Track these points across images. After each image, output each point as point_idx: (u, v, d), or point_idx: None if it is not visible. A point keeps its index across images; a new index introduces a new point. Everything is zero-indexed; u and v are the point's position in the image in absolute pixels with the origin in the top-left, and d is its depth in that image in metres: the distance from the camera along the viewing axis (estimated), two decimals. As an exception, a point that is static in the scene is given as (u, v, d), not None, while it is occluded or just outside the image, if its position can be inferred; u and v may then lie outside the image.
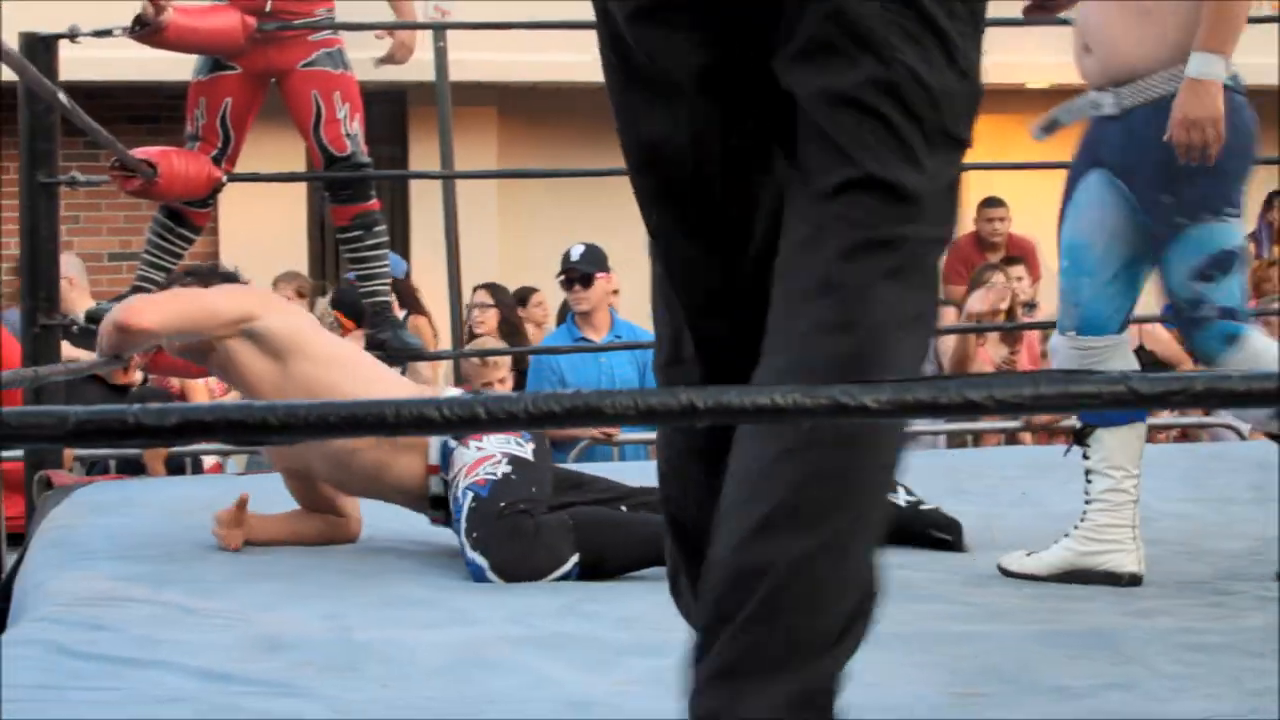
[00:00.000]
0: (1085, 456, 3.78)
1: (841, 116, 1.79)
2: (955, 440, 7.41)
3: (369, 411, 1.21)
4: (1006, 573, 3.76)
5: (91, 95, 4.33)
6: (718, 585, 1.69)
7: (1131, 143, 3.65)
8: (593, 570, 3.66)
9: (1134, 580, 3.67)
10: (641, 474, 4.80)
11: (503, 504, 3.73)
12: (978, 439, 7.61)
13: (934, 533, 3.93)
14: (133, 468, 7.28)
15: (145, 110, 9.55)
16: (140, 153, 4.96)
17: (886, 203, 1.78)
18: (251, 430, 1.23)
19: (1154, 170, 3.61)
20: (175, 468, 7.06)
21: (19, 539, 5.05)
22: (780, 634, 1.66)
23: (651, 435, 7.22)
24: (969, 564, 3.85)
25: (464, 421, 1.22)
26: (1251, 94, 3.67)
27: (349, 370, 3.98)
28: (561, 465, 4.34)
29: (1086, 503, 3.76)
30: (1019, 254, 9.25)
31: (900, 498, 3.95)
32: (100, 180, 5.70)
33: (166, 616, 3.32)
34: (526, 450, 3.86)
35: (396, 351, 5.61)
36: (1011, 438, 7.43)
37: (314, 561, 3.93)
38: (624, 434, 7.23)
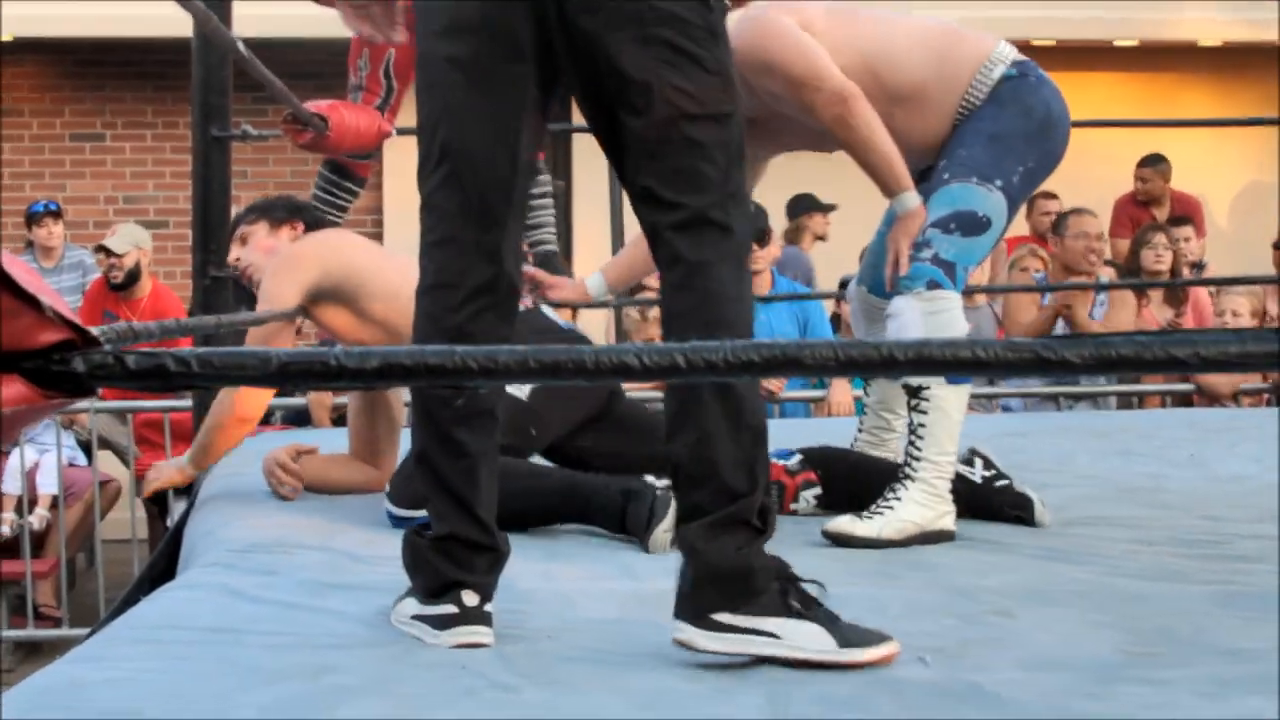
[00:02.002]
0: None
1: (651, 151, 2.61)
2: (1123, 402, 7.35)
3: (570, 357, 1.21)
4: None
5: (255, 51, 4.36)
6: (669, 469, 2.60)
7: None
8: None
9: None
10: (800, 432, 4.80)
11: None
12: (1141, 401, 7.55)
13: (1008, 510, 3.87)
14: (299, 419, 7.38)
15: (309, 66, 9.64)
16: (311, 106, 5.00)
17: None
18: (450, 374, 1.24)
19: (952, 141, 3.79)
20: (340, 420, 7.14)
21: (188, 489, 5.13)
22: (697, 492, 2.55)
23: (816, 394, 7.22)
24: (1142, 522, 3.80)
25: (663, 369, 1.22)
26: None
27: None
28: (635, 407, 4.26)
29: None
30: (1185, 213, 9.12)
31: (977, 473, 3.90)
32: (271, 134, 5.76)
33: (336, 563, 3.36)
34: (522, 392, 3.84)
35: (557, 302, 5.63)
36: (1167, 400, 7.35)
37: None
38: (785, 392, 7.23)
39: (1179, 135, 9.22)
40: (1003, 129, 3.72)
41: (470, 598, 2.71)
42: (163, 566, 4.25)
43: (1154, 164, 9.46)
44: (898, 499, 3.66)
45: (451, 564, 2.74)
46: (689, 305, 2.58)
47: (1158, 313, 7.98)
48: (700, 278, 2.57)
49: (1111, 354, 1.30)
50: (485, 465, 2.75)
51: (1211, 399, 7.40)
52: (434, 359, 1.24)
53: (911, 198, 3.76)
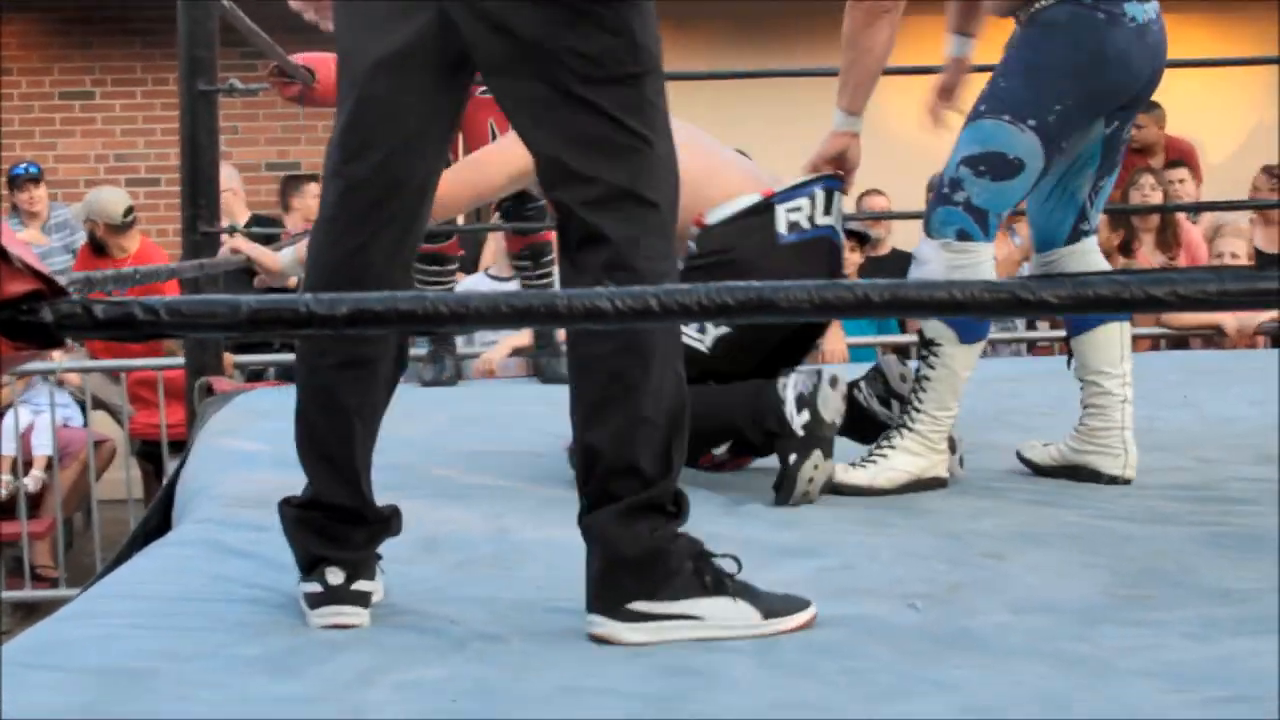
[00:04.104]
0: (1069, 365, 3.86)
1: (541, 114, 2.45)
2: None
3: (542, 302, 1.21)
4: (1022, 458, 3.87)
5: (243, 5, 4.34)
6: (579, 455, 2.50)
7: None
8: None
9: (1115, 481, 3.72)
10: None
11: None
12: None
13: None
14: (292, 376, 7.38)
15: (298, 20, 9.59)
16: (298, 58, 4.97)
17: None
18: (421, 320, 1.23)
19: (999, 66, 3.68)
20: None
21: (180, 445, 5.13)
22: (613, 480, 2.45)
23: (880, 339, 7.24)
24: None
25: (637, 313, 1.21)
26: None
27: None
28: None
29: (1083, 407, 3.81)
30: (1179, 157, 9.08)
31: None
32: (259, 88, 5.74)
33: (328, 518, 3.36)
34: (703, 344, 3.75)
35: (549, 380, 5.57)
36: (1154, 344, 7.33)
37: (475, 466, 3.96)
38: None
39: (1175, 76, 9.18)
40: (1046, 60, 3.58)
41: (335, 575, 2.56)
42: (156, 522, 4.24)
43: (1149, 110, 9.40)
44: (892, 448, 3.66)
45: (314, 536, 2.61)
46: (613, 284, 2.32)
47: (1150, 256, 7.97)
48: (621, 256, 2.42)
49: (1089, 294, 1.29)
50: (361, 422, 2.60)
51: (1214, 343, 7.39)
52: (405, 305, 1.23)
53: (847, 120, 3.78)
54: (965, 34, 3.88)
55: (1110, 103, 3.66)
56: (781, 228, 3.72)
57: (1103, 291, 1.29)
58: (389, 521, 2.68)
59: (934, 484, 3.65)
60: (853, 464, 3.65)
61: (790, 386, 3.54)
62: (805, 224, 3.73)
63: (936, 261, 3.61)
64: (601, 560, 2.46)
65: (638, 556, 2.44)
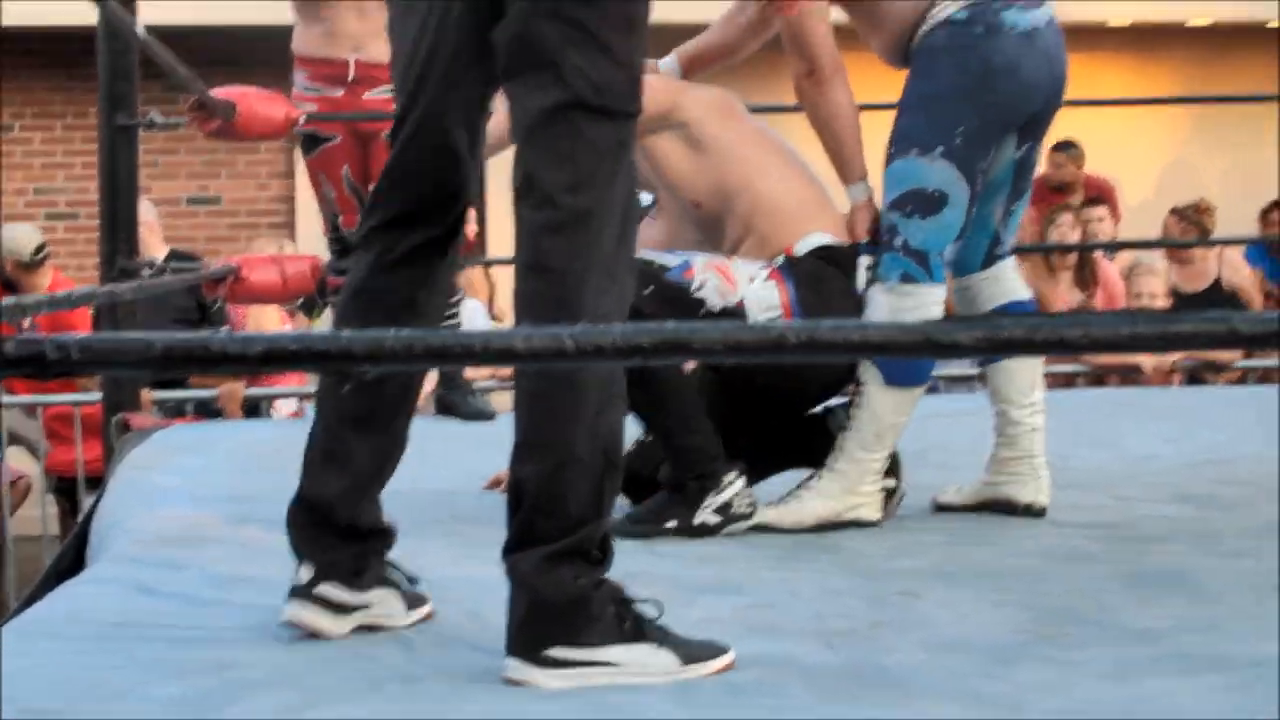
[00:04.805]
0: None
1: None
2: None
3: (457, 342, 1.20)
4: (940, 506, 3.86)
5: (168, 39, 4.32)
6: (510, 489, 2.47)
7: None
8: None
9: (1030, 510, 3.74)
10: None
11: None
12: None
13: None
14: (210, 412, 7.33)
15: (223, 53, 9.56)
16: (219, 92, 4.95)
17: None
18: (335, 359, 1.23)
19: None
20: (253, 412, 7.09)
21: (97, 481, 5.09)
22: (540, 520, 2.42)
23: None
24: (1050, 502, 3.81)
25: (550, 353, 1.21)
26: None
27: (752, 165, 3.84)
28: None
29: (995, 436, 3.83)
30: (1098, 194, 9.15)
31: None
32: (179, 122, 5.70)
33: (244, 556, 3.34)
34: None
35: (467, 416, 5.54)
36: (1070, 381, 7.37)
37: (391, 503, 3.94)
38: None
39: (1094, 115, 9.24)
40: (937, 87, 3.61)
41: (304, 572, 2.66)
42: (71, 560, 4.21)
43: (1066, 149, 9.46)
44: (808, 489, 3.66)
45: (294, 531, 2.70)
46: (549, 320, 2.41)
47: (1068, 294, 8.02)
48: (567, 290, 2.43)
49: (1003, 336, 1.30)
50: (357, 431, 2.70)
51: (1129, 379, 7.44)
52: (319, 344, 1.23)
53: (859, 190, 3.78)
54: (853, 182, 3.85)
55: (1012, 114, 3.67)
56: (860, 281, 3.75)
57: (1016, 333, 1.30)
58: (380, 534, 2.76)
59: (854, 525, 3.64)
60: (769, 503, 3.66)
61: None
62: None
63: (881, 307, 3.62)
64: (523, 605, 2.44)
65: (559, 604, 2.42)
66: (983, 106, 3.61)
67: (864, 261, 3.73)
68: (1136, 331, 1.29)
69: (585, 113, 2.45)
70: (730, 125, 3.89)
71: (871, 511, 3.66)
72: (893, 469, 3.78)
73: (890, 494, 3.75)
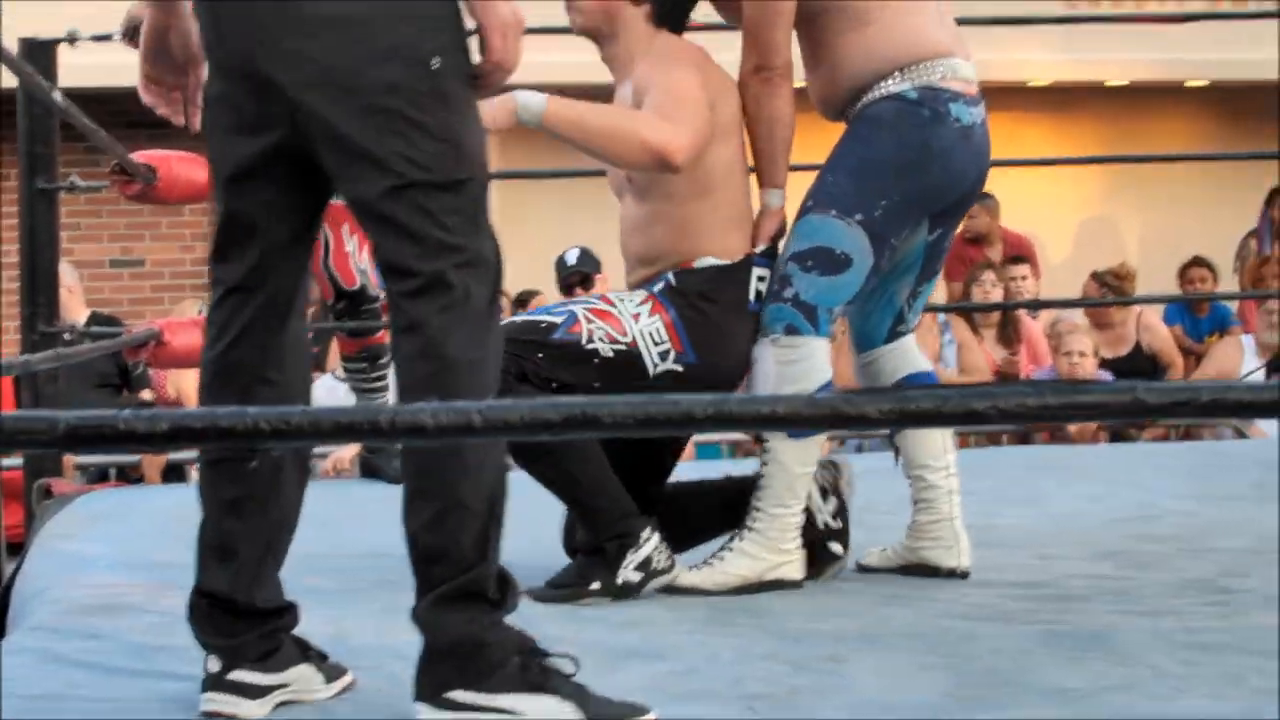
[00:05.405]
0: (896, 460, 3.88)
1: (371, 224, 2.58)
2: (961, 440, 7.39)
3: (365, 418, 1.20)
4: (861, 567, 3.86)
5: (93, 100, 4.31)
6: (407, 546, 2.54)
7: None
8: None
9: (953, 573, 3.75)
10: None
11: None
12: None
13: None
14: (133, 477, 7.28)
15: (147, 115, 9.51)
16: (140, 156, 4.93)
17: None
18: (241, 437, 1.22)
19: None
20: (175, 474, 7.05)
21: (18, 547, 5.03)
22: (431, 567, 2.50)
23: (732, 436, 7.20)
24: (974, 562, 3.83)
25: (458, 429, 1.21)
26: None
27: (737, 168, 3.76)
28: None
29: (913, 504, 3.84)
30: (1019, 252, 9.21)
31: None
32: (100, 185, 5.67)
33: (165, 624, 3.30)
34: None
35: (392, 479, 5.53)
36: (996, 439, 7.41)
37: (316, 568, 3.92)
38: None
39: (1014, 174, 9.31)
40: (872, 156, 3.63)
41: (212, 663, 2.66)
42: (-10, 629, 4.16)
43: (982, 200, 9.51)
44: (730, 550, 3.66)
45: (198, 622, 2.69)
46: (425, 373, 2.50)
47: (992, 352, 8.07)
48: (436, 345, 2.49)
49: (911, 407, 1.31)
50: (239, 515, 2.68)
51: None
52: (225, 421, 1.22)
53: (776, 196, 3.74)
54: (775, 187, 3.84)
55: (936, 200, 3.70)
56: (751, 294, 3.71)
57: (924, 405, 1.30)
58: (283, 611, 2.73)
59: (778, 585, 3.64)
60: (692, 566, 3.66)
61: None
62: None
63: (765, 360, 3.64)
64: (422, 648, 2.52)
65: (451, 644, 2.49)
66: (911, 186, 3.64)
67: (756, 273, 3.71)
68: (1044, 403, 1.30)
69: (416, 189, 2.51)
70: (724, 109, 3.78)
71: (794, 570, 3.66)
72: (841, 536, 3.79)
73: (834, 560, 3.76)
